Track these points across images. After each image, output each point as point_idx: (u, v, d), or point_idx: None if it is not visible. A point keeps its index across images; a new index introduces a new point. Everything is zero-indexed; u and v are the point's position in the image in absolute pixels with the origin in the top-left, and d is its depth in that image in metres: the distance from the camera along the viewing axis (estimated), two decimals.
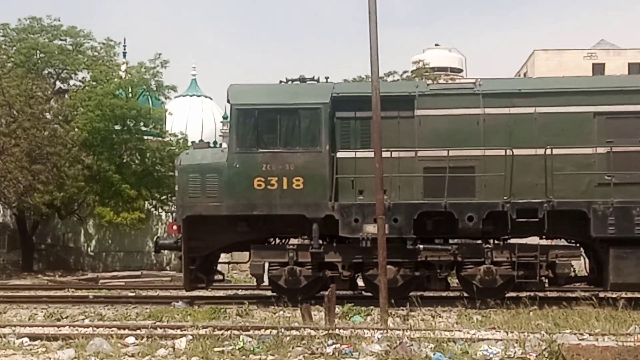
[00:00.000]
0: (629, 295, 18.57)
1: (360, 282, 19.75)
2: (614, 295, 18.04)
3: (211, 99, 58.13)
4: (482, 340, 12.46)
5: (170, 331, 13.76)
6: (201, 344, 12.09)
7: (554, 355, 10.95)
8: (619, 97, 18.23)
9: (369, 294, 18.97)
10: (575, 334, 12.71)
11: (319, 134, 18.60)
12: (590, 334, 12.87)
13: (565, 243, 19.14)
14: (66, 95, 39.36)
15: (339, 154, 18.67)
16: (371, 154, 16.62)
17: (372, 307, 17.07)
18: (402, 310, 16.91)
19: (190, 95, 57.04)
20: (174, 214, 24.75)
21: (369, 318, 16.52)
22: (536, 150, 18.15)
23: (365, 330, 13.38)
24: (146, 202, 38.73)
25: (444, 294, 19.42)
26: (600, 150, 18.10)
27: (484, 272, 18.19)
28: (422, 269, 18.68)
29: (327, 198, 18.47)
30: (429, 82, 27.31)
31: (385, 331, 13.19)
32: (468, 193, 18.36)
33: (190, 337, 12.72)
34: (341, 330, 13.25)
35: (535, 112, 18.45)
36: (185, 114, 51.61)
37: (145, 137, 38.99)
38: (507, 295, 18.47)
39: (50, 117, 36.08)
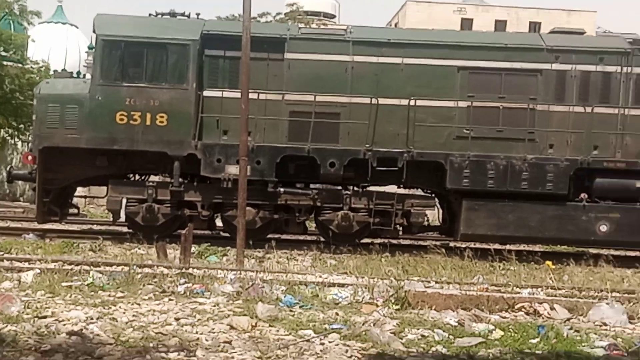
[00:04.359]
0: (477, 246, 19.30)
1: (219, 223, 19.73)
2: (463, 246, 18.70)
3: (77, 27, 56.16)
4: (334, 284, 12.71)
5: (17, 264, 13.38)
6: (49, 278, 11.80)
7: (400, 301, 11.25)
8: (481, 53, 18.67)
9: (227, 235, 18.98)
10: (422, 281, 13.12)
11: (186, 71, 18.32)
12: (436, 282, 13.32)
13: (422, 193, 19.64)
14: None
15: (206, 93, 18.44)
16: (238, 95, 16.58)
17: (229, 247, 17.11)
18: (259, 252, 17.04)
19: (55, 23, 54.89)
20: (30, 144, 23.89)
21: (225, 259, 16.55)
22: (400, 101, 18.41)
23: (219, 271, 13.39)
24: (2, 130, 37.26)
25: (301, 237, 19.66)
26: (462, 104, 18.53)
27: (341, 217, 18.48)
28: (282, 212, 18.82)
29: (191, 136, 18.28)
30: (301, 25, 27.19)
31: (238, 272, 13.25)
32: (332, 139, 18.52)
33: (38, 271, 12.40)
34: (195, 270, 13.21)
35: (402, 62, 18.69)
36: (48, 41, 49.62)
37: (5, 63, 37.36)
38: (362, 241, 18.85)
39: None
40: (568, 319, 10.89)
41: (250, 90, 16.47)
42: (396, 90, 18.51)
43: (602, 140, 18.48)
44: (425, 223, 19.41)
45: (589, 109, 18.30)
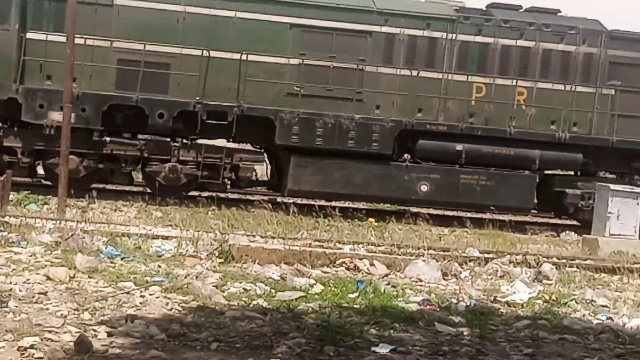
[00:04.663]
0: (303, 202, 19.59)
1: (40, 170, 19.02)
2: (290, 201, 18.93)
3: None
4: (157, 236, 12.58)
5: None
6: None
7: (224, 255, 11.31)
8: (314, 12, 18.79)
9: (49, 183, 18.34)
10: (248, 235, 13.20)
11: (8, 10, 17.55)
12: (261, 237, 13.45)
13: (251, 148, 19.67)
14: None
15: (29, 35, 17.69)
16: (63, 39, 15.98)
17: (50, 196, 16.56)
18: (82, 201, 16.59)
19: None
20: None
21: (45, 207, 16.00)
22: (232, 55, 18.31)
23: (38, 220, 12.95)
24: None
25: (127, 188, 19.29)
26: (293, 61, 18.63)
27: (168, 169, 18.23)
28: (107, 161, 18.37)
29: (12, 80, 17.51)
30: None
31: (58, 222, 12.86)
32: (161, 90, 18.21)
33: None
34: (11, 218, 12.72)
35: (235, 16, 18.55)
36: None
37: None
38: (190, 194, 18.73)
39: None
40: (386, 275, 11.28)
41: (76, 36, 15.89)
42: (228, 44, 18.37)
43: (427, 103, 19.10)
44: (254, 178, 19.49)
45: (415, 73, 18.85)
